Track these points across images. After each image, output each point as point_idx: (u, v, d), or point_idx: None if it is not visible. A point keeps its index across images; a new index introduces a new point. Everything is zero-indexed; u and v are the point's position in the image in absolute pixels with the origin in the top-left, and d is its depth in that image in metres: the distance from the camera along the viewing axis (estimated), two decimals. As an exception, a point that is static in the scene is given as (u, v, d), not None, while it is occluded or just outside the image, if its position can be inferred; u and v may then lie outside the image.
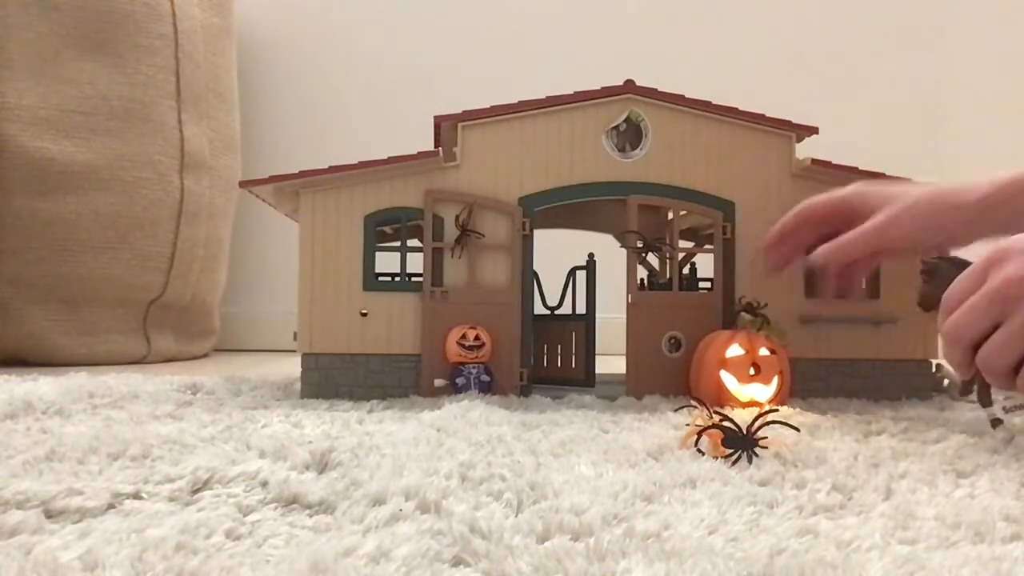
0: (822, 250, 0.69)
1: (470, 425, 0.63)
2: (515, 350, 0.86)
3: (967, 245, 0.67)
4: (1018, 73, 2.02)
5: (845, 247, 0.68)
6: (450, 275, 0.87)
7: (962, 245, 0.68)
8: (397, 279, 0.87)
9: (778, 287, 0.88)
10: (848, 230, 0.69)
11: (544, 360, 0.99)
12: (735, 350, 0.80)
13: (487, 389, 0.83)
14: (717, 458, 0.51)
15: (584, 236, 1.09)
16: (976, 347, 0.52)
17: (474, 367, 0.83)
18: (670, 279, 0.90)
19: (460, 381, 0.83)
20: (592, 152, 0.89)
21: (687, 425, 0.62)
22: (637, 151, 0.89)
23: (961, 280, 0.53)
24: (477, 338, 0.84)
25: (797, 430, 0.57)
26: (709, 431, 0.54)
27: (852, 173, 0.89)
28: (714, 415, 0.58)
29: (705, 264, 0.92)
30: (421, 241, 0.87)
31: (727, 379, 0.80)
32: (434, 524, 0.37)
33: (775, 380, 0.80)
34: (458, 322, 0.85)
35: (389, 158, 0.86)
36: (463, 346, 0.83)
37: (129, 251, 1.52)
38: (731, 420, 0.54)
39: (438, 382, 0.84)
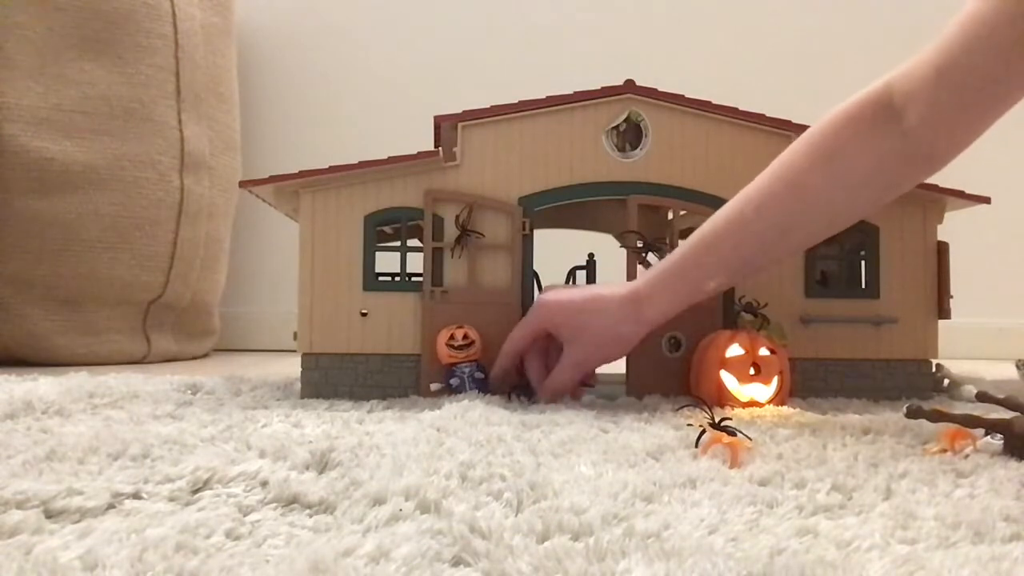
0: (543, 395, 0.81)
1: (470, 425, 0.63)
2: (515, 350, 0.86)
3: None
4: (1018, 73, 2.02)
5: (558, 388, 0.80)
6: (450, 275, 0.87)
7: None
8: (397, 279, 0.87)
9: (778, 287, 0.88)
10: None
11: (544, 360, 0.99)
12: (735, 350, 0.80)
13: (482, 386, 0.83)
14: (734, 468, 0.50)
15: (584, 236, 1.09)
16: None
17: (467, 366, 0.83)
18: (670, 279, 0.89)
19: (454, 382, 0.82)
20: (592, 152, 0.89)
21: (688, 425, 0.62)
22: (637, 151, 0.89)
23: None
24: (465, 336, 0.84)
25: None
26: (714, 432, 0.54)
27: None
28: (715, 417, 0.57)
29: (705, 264, 0.91)
30: (421, 241, 0.87)
31: (727, 379, 0.80)
32: (434, 524, 0.37)
33: (775, 380, 0.80)
34: (458, 322, 0.85)
35: (389, 158, 0.86)
36: (452, 346, 0.83)
37: (129, 251, 1.52)
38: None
39: (434, 386, 0.84)
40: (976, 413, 0.57)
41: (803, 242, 0.78)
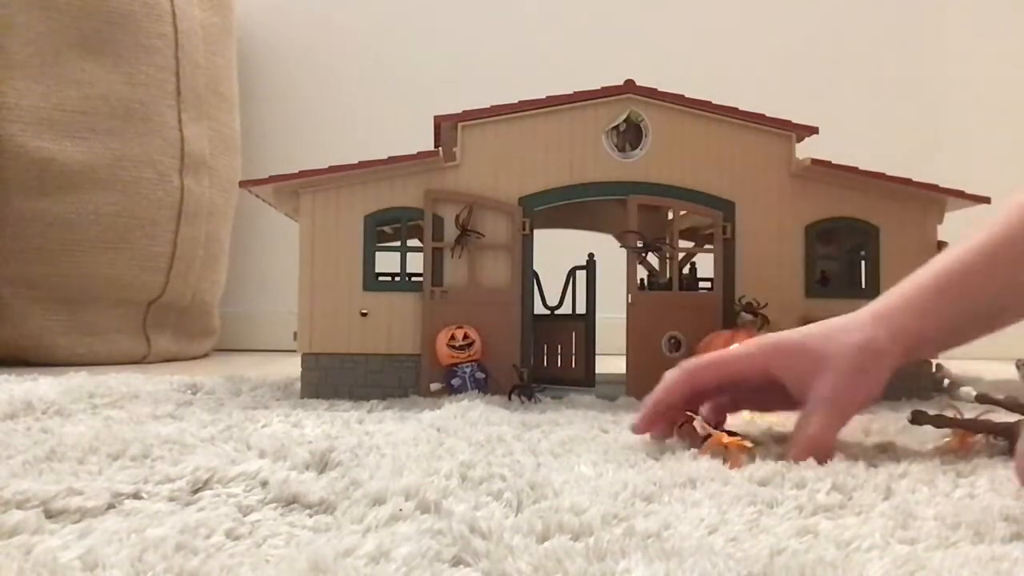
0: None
1: (470, 425, 0.63)
2: (515, 350, 0.86)
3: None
4: (1018, 73, 2.02)
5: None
6: (450, 275, 0.87)
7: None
8: (397, 279, 0.87)
9: (778, 287, 0.88)
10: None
11: (544, 360, 0.99)
12: (735, 350, 0.80)
13: (483, 386, 0.83)
14: (734, 467, 0.50)
15: (584, 236, 1.09)
16: None
17: (467, 366, 0.83)
18: (670, 279, 0.90)
19: (456, 382, 0.83)
20: (592, 152, 0.89)
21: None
22: (637, 151, 0.89)
23: None
24: (466, 337, 0.84)
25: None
26: (715, 432, 0.54)
27: (852, 173, 0.89)
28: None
29: (705, 264, 0.92)
30: (421, 241, 0.87)
31: (727, 379, 0.79)
32: (434, 524, 0.37)
33: (775, 380, 0.80)
34: (458, 322, 0.85)
35: (389, 158, 0.86)
36: (453, 347, 0.83)
37: (129, 251, 1.52)
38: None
39: (434, 386, 0.84)
40: (980, 416, 0.57)
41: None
